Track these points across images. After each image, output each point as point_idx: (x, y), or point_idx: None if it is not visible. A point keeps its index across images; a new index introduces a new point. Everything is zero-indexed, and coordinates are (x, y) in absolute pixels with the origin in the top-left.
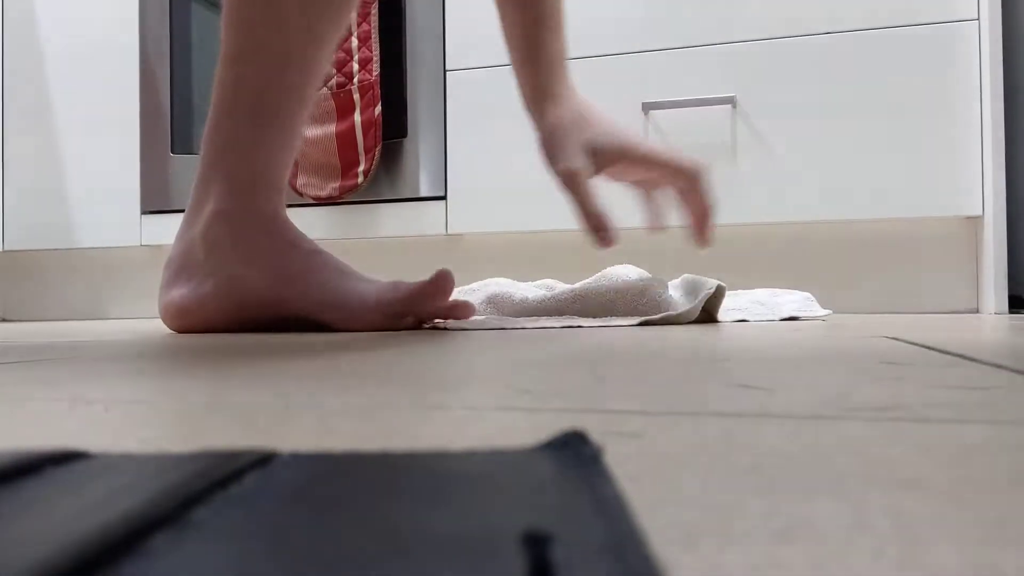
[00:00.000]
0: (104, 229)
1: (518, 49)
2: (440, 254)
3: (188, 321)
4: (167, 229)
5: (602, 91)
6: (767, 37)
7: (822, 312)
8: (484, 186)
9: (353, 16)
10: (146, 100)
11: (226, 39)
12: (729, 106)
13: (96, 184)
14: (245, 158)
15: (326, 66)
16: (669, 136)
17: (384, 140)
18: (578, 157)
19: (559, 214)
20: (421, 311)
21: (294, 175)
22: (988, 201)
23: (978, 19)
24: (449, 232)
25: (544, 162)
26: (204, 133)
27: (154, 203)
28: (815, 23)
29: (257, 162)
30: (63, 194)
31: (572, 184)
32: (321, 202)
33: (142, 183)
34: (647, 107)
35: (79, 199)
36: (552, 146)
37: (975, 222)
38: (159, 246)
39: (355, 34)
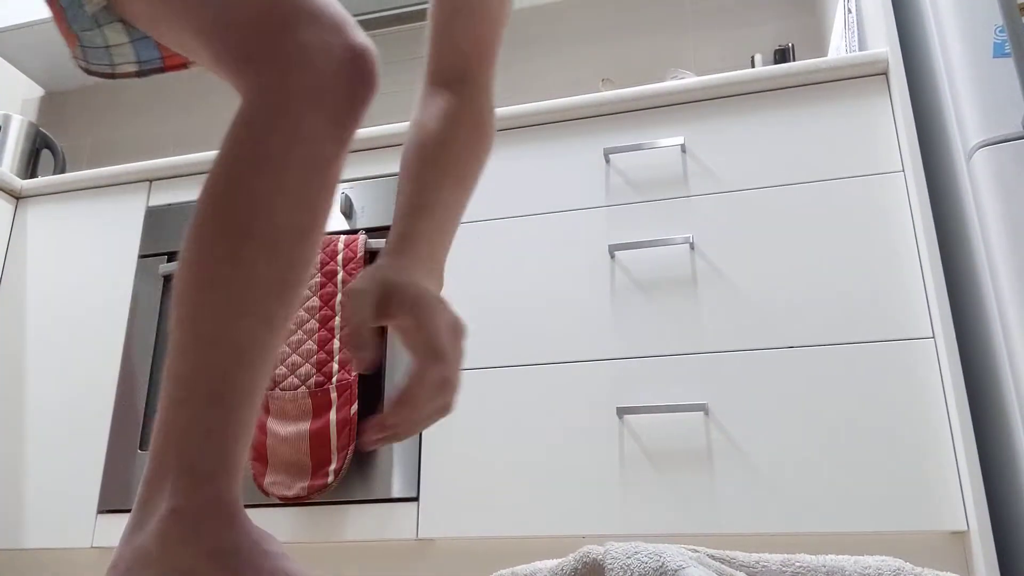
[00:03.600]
0: (56, 529)
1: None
2: (410, 562)
3: None
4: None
5: (575, 395)
6: (738, 348)
7: None
8: (459, 487)
9: (337, 321)
10: (122, 399)
11: (178, 328)
12: (701, 413)
13: (55, 481)
14: (203, 447)
15: (281, 348)
16: (644, 440)
17: (358, 439)
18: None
19: (540, 519)
20: None
21: (262, 474)
22: (972, 516)
23: (933, 336)
24: (420, 537)
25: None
26: (155, 429)
27: (113, 502)
28: (785, 337)
29: (217, 450)
30: (20, 491)
31: (348, 307)
32: (287, 502)
33: (103, 480)
34: (621, 411)
35: (36, 496)
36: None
37: (962, 537)
38: (111, 549)
39: (337, 337)
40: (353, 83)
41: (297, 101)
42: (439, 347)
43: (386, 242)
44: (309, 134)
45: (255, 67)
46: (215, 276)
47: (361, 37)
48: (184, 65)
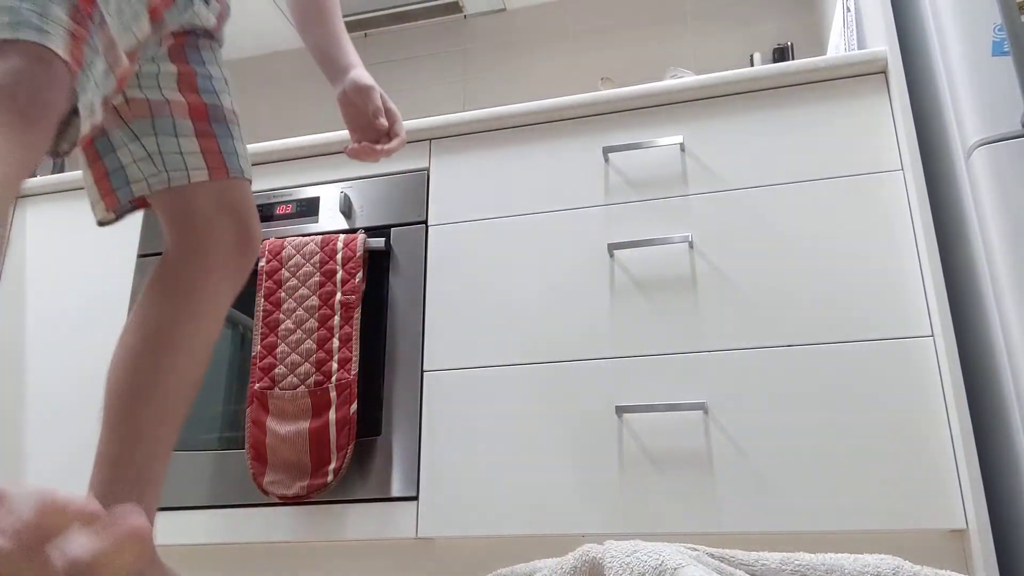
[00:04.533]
0: None
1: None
2: (410, 561)
3: None
4: None
5: (575, 394)
6: (737, 347)
7: None
8: (458, 486)
9: (336, 320)
10: None
11: (117, 421)
12: (701, 412)
13: (55, 478)
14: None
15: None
16: (643, 439)
17: (358, 438)
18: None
19: (540, 518)
20: None
21: (261, 473)
22: (971, 514)
23: (932, 335)
24: (419, 536)
25: (355, 96)
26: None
27: None
28: (784, 335)
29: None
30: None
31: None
32: (287, 501)
33: None
34: (620, 410)
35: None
36: (363, 86)
37: (961, 536)
38: None
39: (336, 336)
40: (245, 262)
41: (215, 270)
42: (391, 109)
43: (335, 63)
44: (222, 292)
45: (195, 245)
46: (145, 391)
47: (257, 237)
48: None
